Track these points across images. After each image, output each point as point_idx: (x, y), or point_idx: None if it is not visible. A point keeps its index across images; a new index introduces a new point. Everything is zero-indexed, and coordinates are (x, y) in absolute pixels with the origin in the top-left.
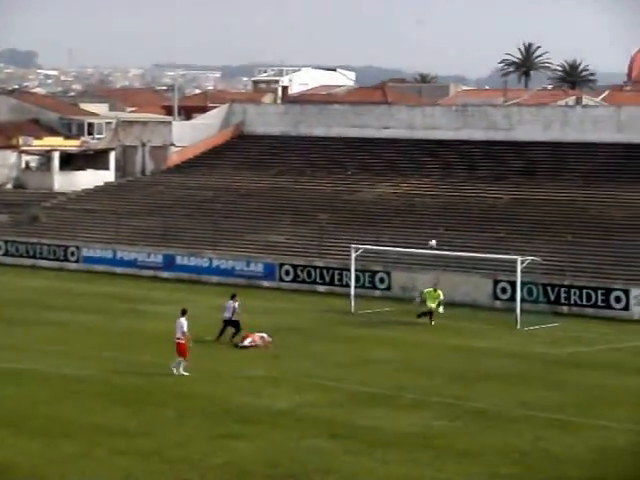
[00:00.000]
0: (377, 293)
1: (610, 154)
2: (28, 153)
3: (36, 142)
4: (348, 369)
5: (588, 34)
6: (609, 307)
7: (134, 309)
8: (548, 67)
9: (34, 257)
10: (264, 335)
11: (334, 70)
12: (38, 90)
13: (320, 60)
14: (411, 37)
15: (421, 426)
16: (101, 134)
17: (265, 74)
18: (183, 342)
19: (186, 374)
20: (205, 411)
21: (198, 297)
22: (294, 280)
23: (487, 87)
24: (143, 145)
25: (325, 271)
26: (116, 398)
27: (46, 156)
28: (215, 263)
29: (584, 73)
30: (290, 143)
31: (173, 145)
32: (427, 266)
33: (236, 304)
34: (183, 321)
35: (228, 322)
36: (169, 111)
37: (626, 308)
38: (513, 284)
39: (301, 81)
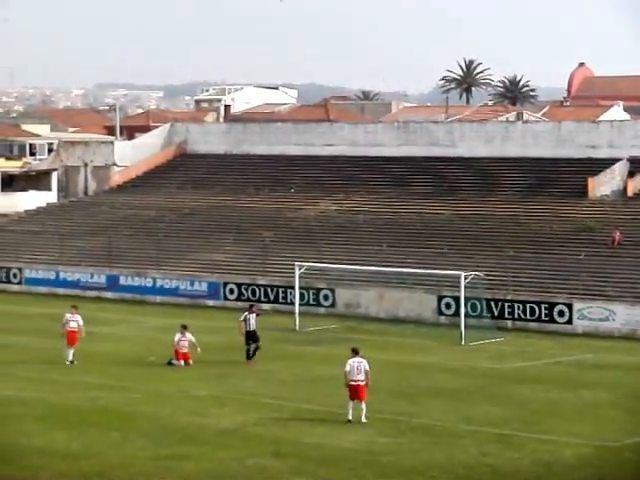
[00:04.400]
0: (321, 310)
1: (550, 169)
2: None
3: None
4: (292, 387)
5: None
6: (553, 321)
7: None
8: (489, 83)
9: None
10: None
11: (276, 88)
12: None
13: (262, 79)
14: (353, 54)
15: (366, 443)
16: (43, 155)
17: (207, 93)
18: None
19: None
20: (149, 432)
21: (142, 317)
22: (238, 298)
23: (429, 104)
24: (85, 165)
25: (269, 289)
26: (58, 420)
27: None
28: (159, 283)
29: (525, 89)
30: (233, 162)
31: (115, 165)
32: (371, 283)
33: (253, 315)
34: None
35: (250, 334)
36: (111, 131)
37: (569, 322)
38: (457, 299)
39: (243, 100)
